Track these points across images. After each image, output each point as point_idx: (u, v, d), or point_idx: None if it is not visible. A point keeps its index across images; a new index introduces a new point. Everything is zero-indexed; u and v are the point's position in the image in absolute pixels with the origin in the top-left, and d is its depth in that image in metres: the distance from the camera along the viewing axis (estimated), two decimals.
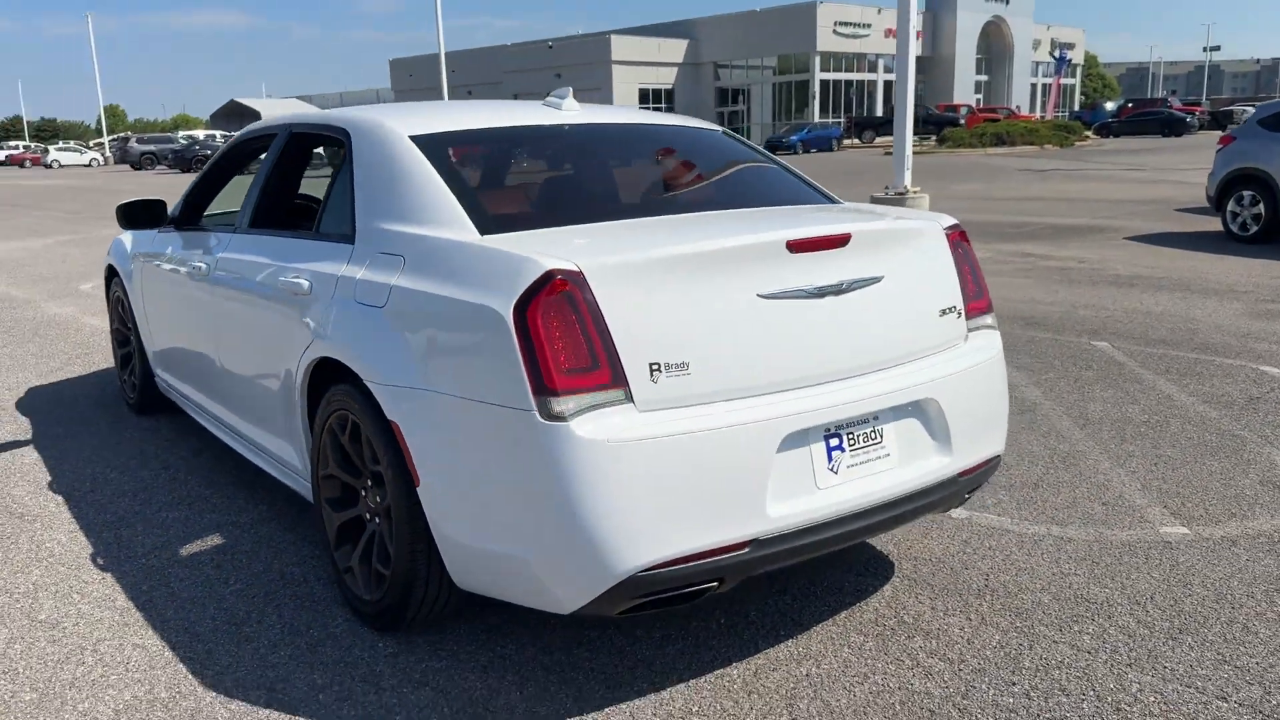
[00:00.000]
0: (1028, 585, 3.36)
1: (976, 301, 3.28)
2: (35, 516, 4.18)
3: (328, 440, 3.18)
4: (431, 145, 3.21)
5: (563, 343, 2.42)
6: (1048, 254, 11.18)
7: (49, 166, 61.37)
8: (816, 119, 55.29)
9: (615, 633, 3.07)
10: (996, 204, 17.40)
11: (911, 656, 2.93)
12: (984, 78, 68.78)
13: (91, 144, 72.63)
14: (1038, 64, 71.43)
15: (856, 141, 50.33)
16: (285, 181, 4.01)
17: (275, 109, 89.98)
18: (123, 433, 5.35)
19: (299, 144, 3.92)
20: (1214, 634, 3.01)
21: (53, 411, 5.82)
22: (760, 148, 3.92)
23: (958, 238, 3.26)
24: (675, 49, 63.10)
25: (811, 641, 3.02)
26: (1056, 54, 60.28)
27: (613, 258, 2.52)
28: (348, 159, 3.38)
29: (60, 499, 4.37)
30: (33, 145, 72.60)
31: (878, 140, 49.30)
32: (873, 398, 2.81)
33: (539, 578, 2.53)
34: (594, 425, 2.40)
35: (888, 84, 62.41)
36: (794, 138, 46.75)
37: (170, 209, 4.73)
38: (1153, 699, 2.69)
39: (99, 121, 79.02)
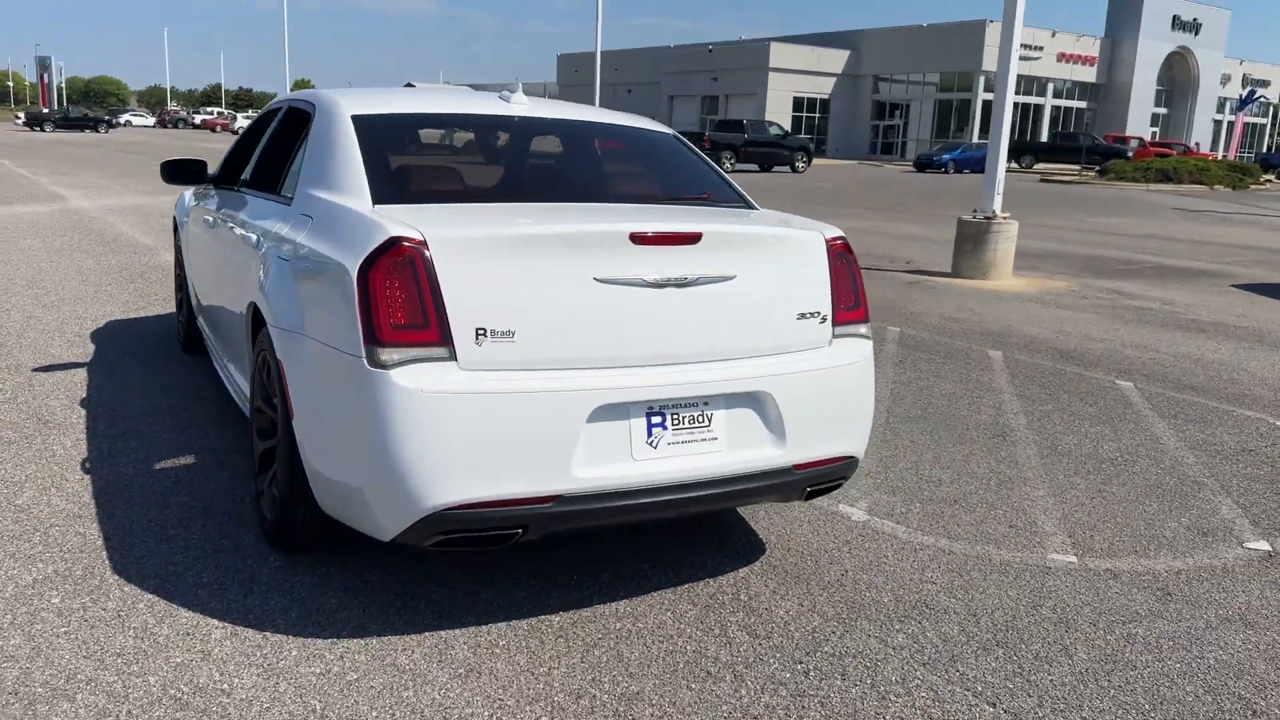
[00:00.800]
0: (878, 585, 3.51)
1: (851, 311, 3.46)
2: (57, 424, 4.82)
3: (258, 376, 3.63)
4: (367, 124, 3.61)
5: (396, 301, 2.76)
6: (1137, 293, 10.83)
7: (235, 133, 65.87)
8: (976, 139, 53.75)
9: (473, 578, 3.40)
10: (1114, 239, 16.78)
11: (723, 627, 3.15)
12: (1163, 110, 65.38)
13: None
14: (1224, 100, 67.36)
15: (1014, 165, 48.75)
16: (278, 148, 4.51)
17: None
18: (167, 366, 6.01)
19: (292, 116, 4.40)
20: (1028, 651, 3.11)
21: (119, 343, 6.56)
22: (702, 157, 4.13)
23: (840, 249, 3.45)
24: (835, 59, 62.52)
25: (641, 604, 3.27)
26: (1245, 90, 56.74)
27: (457, 232, 2.86)
28: (306, 130, 3.83)
29: (84, 412, 5.01)
30: (225, 112, 77.94)
31: (1038, 166, 47.60)
32: (703, 384, 3.05)
33: (368, 505, 2.89)
34: (413, 376, 2.74)
35: (1056, 109, 60.14)
36: (945, 156, 45.70)
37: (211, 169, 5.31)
38: (924, 694, 2.84)
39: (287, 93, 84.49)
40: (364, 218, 2.98)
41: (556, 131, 4.08)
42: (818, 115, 63.13)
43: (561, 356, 2.89)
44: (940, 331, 8.14)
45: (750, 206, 3.87)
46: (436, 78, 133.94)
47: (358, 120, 3.62)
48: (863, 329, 3.52)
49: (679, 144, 4.22)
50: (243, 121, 67.68)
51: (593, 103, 46.94)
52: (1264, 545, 4.03)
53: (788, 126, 58.71)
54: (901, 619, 3.27)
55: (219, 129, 70.38)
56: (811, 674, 2.91)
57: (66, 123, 58.21)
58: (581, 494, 2.90)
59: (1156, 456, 5.12)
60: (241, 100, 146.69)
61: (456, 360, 2.80)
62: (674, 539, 3.79)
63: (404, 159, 3.67)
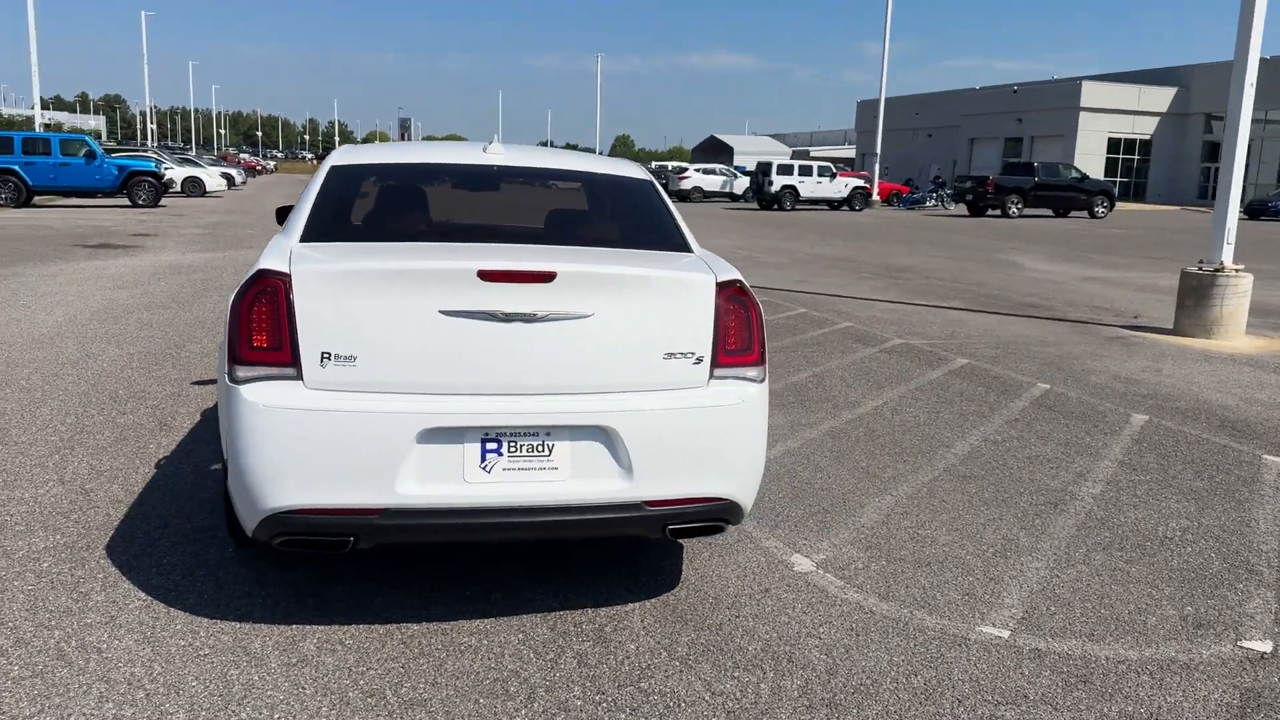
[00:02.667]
0: (759, 634, 3.44)
1: (738, 355, 3.46)
2: (159, 408, 5.70)
3: None
4: (340, 173, 4.08)
5: (257, 327, 3.17)
6: None
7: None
8: None
9: (372, 584, 3.72)
10: None
11: (558, 653, 3.25)
12: None
13: None
14: None
15: None
16: None
17: (747, 144, 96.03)
18: None
19: None
20: (862, 714, 2.95)
21: None
22: (663, 204, 4.20)
23: (733, 293, 3.47)
24: (1159, 97, 57.49)
25: (503, 624, 3.44)
26: None
27: (319, 267, 3.22)
28: None
29: (196, 408, 5.89)
30: None
31: None
32: (544, 414, 3.20)
33: (235, 504, 3.29)
34: (259, 392, 3.13)
35: None
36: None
37: None
38: None
39: (598, 150, 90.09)
40: (262, 254, 3.43)
41: (521, 178, 4.36)
42: (1136, 157, 58.23)
43: (399, 381, 3.16)
44: (1096, 392, 7.46)
45: (683, 250, 3.92)
46: (743, 129, 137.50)
47: (334, 170, 4.10)
48: (751, 372, 3.49)
49: (645, 191, 4.34)
50: None
51: (875, 147, 46.27)
52: (1265, 645, 3.48)
53: (1100, 169, 54.56)
54: (750, 667, 3.21)
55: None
56: (603, 705, 2.95)
57: None
58: (407, 509, 3.14)
59: (1229, 539, 4.50)
60: None
61: (302, 380, 3.15)
62: (593, 566, 3.90)
63: (362, 204, 4.08)
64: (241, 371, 3.16)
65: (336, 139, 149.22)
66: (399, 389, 3.16)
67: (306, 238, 3.67)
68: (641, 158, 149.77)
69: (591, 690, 3.04)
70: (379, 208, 4.06)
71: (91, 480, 4.77)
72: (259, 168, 74.16)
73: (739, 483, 3.45)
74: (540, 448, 3.24)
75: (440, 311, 3.18)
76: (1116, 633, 3.56)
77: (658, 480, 3.31)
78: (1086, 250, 21.72)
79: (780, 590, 3.80)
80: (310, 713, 2.87)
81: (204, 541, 4.06)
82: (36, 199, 26.75)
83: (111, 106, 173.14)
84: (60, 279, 12.21)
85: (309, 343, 3.15)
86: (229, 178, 41.84)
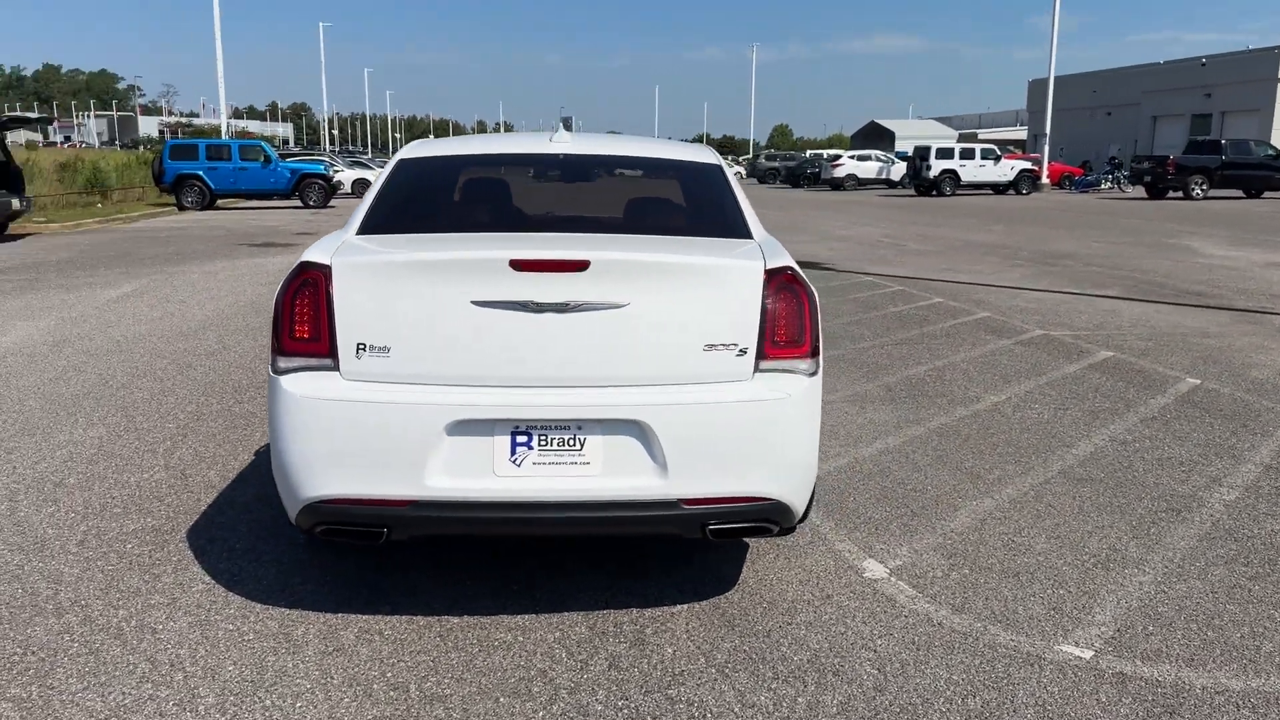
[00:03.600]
0: (810, 643, 3.23)
1: (788, 348, 3.27)
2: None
3: None
4: (407, 166, 4.09)
5: (300, 318, 3.20)
6: None
7: None
8: None
9: (421, 577, 3.71)
10: None
11: (591, 654, 3.14)
12: None
13: (740, 159, 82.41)
14: None
15: None
16: None
17: (909, 129, 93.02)
18: None
19: None
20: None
21: None
22: (729, 189, 4.01)
23: (785, 281, 3.28)
24: None
25: (542, 621, 3.36)
26: None
27: (357, 258, 3.23)
28: None
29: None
30: None
31: None
32: (575, 407, 3.10)
33: (280, 492, 3.33)
34: (299, 382, 3.15)
35: None
36: None
37: None
38: None
39: (752, 140, 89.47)
40: (318, 246, 3.46)
41: (585, 166, 4.26)
42: None
43: (431, 372, 3.12)
44: (1254, 388, 6.77)
45: (742, 237, 3.73)
46: (906, 113, 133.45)
47: (401, 163, 4.12)
48: (802, 365, 3.28)
49: (709, 176, 4.16)
50: None
51: (1044, 127, 43.94)
52: None
53: None
54: (790, 679, 3.01)
55: None
56: (625, 712, 2.83)
57: None
58: (436, 501, 3.10)
59: None
60: (724, 148, 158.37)
61: (339, 371, 3.15)
62: (644, 563, 3.78)
63: (425, 196, 4.06)
64: (283, 362, 3.20)
65: None
66: (430, 380, 3.13)
67: (363, 230, 3.69)
68: (800, 146, 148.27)
69: (616, 695, 2.92)
70: (439, 199, 4.05)
71: (193, 466, 4.99)
72: None
73: (786, 482, 3.26)
74: (571, 441, 3.14)
75: (472, 302, 3.12)
76: (1221, 658, 3.17)
77: (695, 478, 3.15)
78: (1274, 233, 19.90)
79: (843, 597, 3.58)
80: (333, 703, 2.87)
81: (274, 528, 4.16)
82: (219, 202, 28.63)
83: (298, 114, 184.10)
84: (220, 275, 12.99)
85: (346, 334, 3.15)
86: None
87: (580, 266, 3.14)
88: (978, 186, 39.15)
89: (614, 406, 3.12)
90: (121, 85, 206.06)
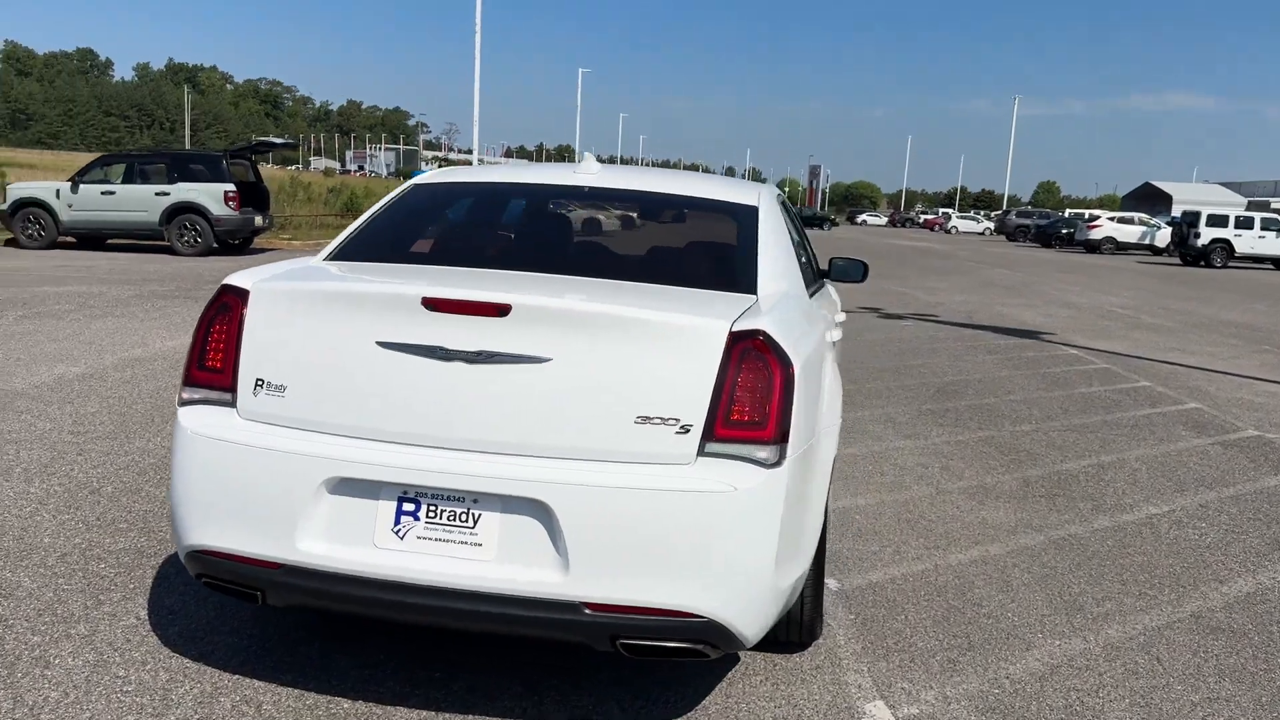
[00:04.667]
0: None
1: (748, 429, 2.64)
2: None
3: None
4: (421, 190, 3.80)
5: (210, 346, 2.92)
6: None
7: (948, 231, 68.33)
8: None
9: (361, 653, 3.32)
10: None
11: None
12: None
13: (989, 215, 78.42)
14: None
15: None
16: None
17: (1189, 193, 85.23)
18: None
19: None
20: None
21: None
22: (752, 236, 3.41)
23: (753, 346, 2.67)
24: None
25: (444, 717, 2.88)
26: None
27: (277, 285, 2.91)
28: None
29: None
30: (944, 212, 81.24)
31: None
32: (472, 477, 2.63)
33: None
34: (194, 416, 2.86)
35: None
36: None
37: None
38: None
39: (1006, 195, 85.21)
40: (256, 269, 3.18)
41: (606, 200, 3.77)
42: None
43: (322, 419, 2.74)
44: None
45: (743, 291, 3.12)
46: (1189, 175, 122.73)
47: (414, 188, 3.82)
48: (761, 453, 2.64)
49: (738, 218, 3.56)
50: (955, 221, 69.98)
51: None
52: None
53: None
54: None
55: (935, 228, 73.59)
56: None
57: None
58: (307, 569, 2.70)
59: None
60: (981, 201, 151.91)
61: (236, 408, 2.83)
62: (592, 664, 3.20)
63: (415, 222, 3.70)
64: (185, 393, 2.92)
65: None
66: (320, 428, 2.74)
67: (333, 255, 3.40)
68: (1066, 205, 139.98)
69: None
70: (429, 228, 3.70)
71: None
72: None
73: (723, 597, 2.61)
74: (464, 517, 2.65)
75: (378, 343, 2.72)
76: None
77: (603, 579, 2.58)
78: None
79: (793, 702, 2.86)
80: None
81: None
82: None
83: (562, 156, 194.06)
84: None
85: (247, 368, 2.84)
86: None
87: (500, 311, 2.67)
88: (1257, 260, 35.03)
89: (514, 481, 2.60)
90: (410, 122, 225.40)
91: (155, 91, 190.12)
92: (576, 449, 2.63)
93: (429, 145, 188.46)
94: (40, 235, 17.74)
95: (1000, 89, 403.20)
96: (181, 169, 17.92)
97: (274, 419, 2.79)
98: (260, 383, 2.81)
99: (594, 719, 2.94)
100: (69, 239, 18.14)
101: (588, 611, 2.59)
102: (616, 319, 2.69)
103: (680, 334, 2.68)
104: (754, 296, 3.12)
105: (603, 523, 2.57)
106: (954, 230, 68.38)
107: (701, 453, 2.63)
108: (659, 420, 2.63)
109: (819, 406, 3.05)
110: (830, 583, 4.08)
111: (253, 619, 3.45)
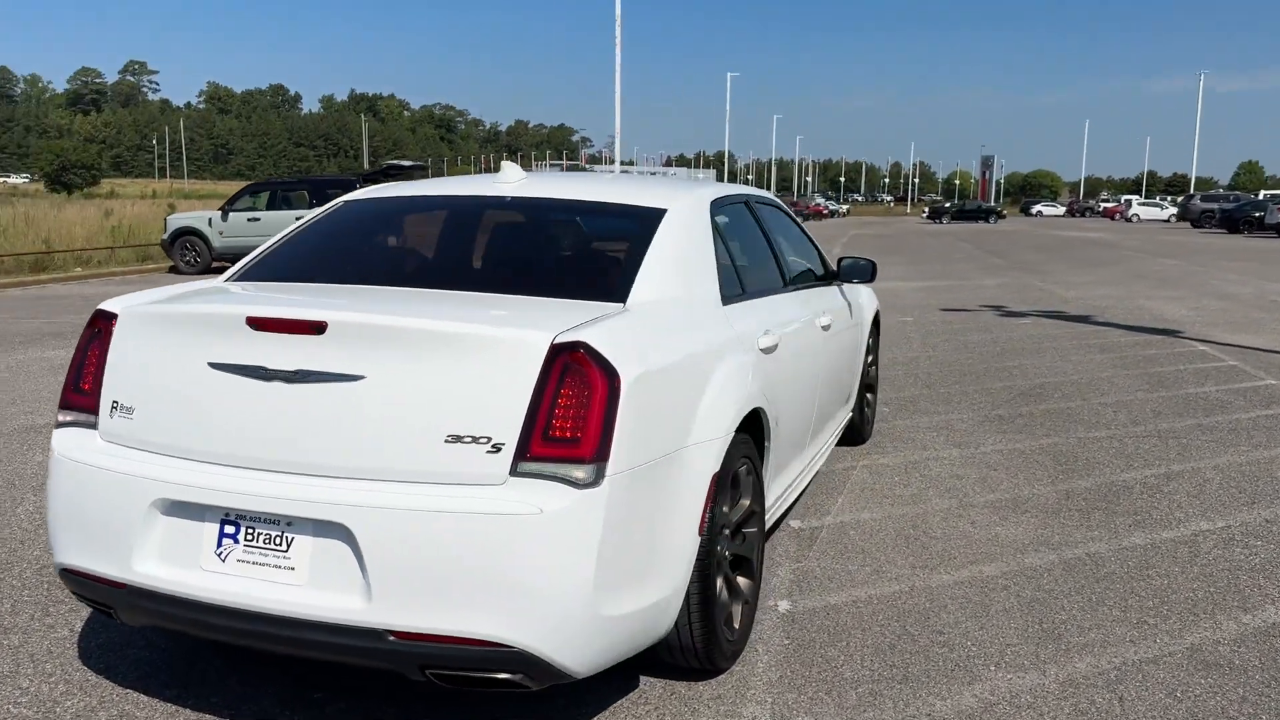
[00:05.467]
0: None
1: (565, 446, 2.51)
2: None
3: None
4: (351, 206, 3.85)
5: (83, 369, 3.01)
6: None
7: (1129, 219, 64.13)
8: None
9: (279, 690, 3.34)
10: None
11: None
12: None
13: (1175, 200, 73.01)
14: None
15: None
16: None
17: None
18: None
19: None
20: None
21: None
22: (646, 243, 3.24)
23: (574, 360, 2.53)
24: None
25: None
26: None
27: (138, 308, 2.97)
28: None
29: None
30: (1126, 199, 76.22)
31: None
32: (282, 500, 2.60)
33: None
34: (61, 439, 2.96)
35: None
36: None
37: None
38: None
39: (1193, 178, 78.99)
40: (145, 293, 3.25)
41: (523, 209, 3.66)
42: None
43: (160, 440, 2.78)
44: None
45: (610, 300, 2.97)
46: None
47: (345, 204, 3.85)
48: (579, 473, 2.49)
49: (641, 224, 3.38)
50: (1136, 209, 65.50)
51: None
52: None
53: None
54: None
55: (1115, 216, 69.17)
56: None
57: (962, 214, 63.66)
58: (143, 590, 2.73)
59: None
60: (1174, 186, 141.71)
61: (98, 430, 2.91)
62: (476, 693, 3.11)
63: (326, 239, 3.68)
64: (61, 415, 3.02)
65: (915, 180, 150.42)
66: (158, 449, 2.78)
67: (235, 276, 3.46)
68: (1271, 185, 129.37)
69: None
70: (337, 245, 3.68)
71: None
72: (823, 211, 77.26)
73: (534, 626, 2.47)
74: (279, 541, 2.62)
75: (209, 363, 2.73)
76: None
77: (406, 606, 2.49)
78: None
79: None
80: None
81: None
82: None
83: (719, 162, 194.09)
84: None
85: (109, 390, 2.91)
86: None
87: (316, 328, 2.63)
88: None
89: (319, 504, 2.55)
90: (574, 138, 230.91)
91: (339, 121, 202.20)
92: (384, 470, 2.55)
93: (592, 159, 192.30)
94: (196, 261, 19.13)
95: (1186, 65, 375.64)
96: (320, 194, 18.91)
97: (124, 440, 2.84)
98: (115, 405, 2.87)
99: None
100: (223, 263, 19.46)
101: (392, 639, 2.50)
102: (431, 334, 2.60)
103: (497, 347, 2.57)
104: (620, 305, 2.96)
105: (405, 547, 2.48)
106: (1135, 218, 64.04)
107: (514, 472, 2.51)
108: (470, 439, 2.52)
109: (677, 421, 2.85)
110: (782, 604, 3.84)
111: (166, 635, 3.53)
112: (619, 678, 3.24)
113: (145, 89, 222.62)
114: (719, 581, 3.16)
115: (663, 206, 3.50)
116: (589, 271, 3.36)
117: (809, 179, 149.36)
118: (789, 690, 3.19)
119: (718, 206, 3.86)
